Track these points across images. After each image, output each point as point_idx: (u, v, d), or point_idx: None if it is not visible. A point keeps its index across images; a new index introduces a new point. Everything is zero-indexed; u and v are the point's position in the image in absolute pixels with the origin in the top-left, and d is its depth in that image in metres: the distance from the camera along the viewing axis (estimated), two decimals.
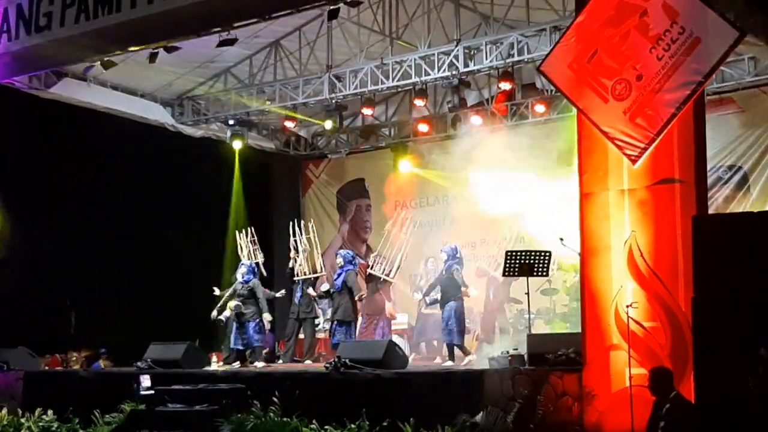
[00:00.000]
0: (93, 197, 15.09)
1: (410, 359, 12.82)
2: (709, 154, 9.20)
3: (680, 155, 8.80)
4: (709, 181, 11.08)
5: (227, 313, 13.75)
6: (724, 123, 14.41)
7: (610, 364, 8.88)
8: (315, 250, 15.40)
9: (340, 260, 14.18)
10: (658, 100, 8.75)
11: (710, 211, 10.23)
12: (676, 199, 8.75)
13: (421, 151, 17.74)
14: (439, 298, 13.22)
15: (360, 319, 14.11)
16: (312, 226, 15.75)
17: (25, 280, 14.28)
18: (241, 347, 13.56)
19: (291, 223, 15.74)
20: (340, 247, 18.65)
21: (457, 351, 12.84)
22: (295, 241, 15.35)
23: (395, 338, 13.72)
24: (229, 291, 13.83)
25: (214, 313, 13.86)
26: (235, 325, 13.61)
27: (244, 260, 14.26)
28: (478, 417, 9.26)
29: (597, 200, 9.19)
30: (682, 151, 8.80)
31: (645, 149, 8.81)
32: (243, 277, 13.81)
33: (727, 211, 14.14)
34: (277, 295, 14.75)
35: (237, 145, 17.26)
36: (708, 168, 9.30)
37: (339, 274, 14.01)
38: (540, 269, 12.22)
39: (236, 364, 13.40)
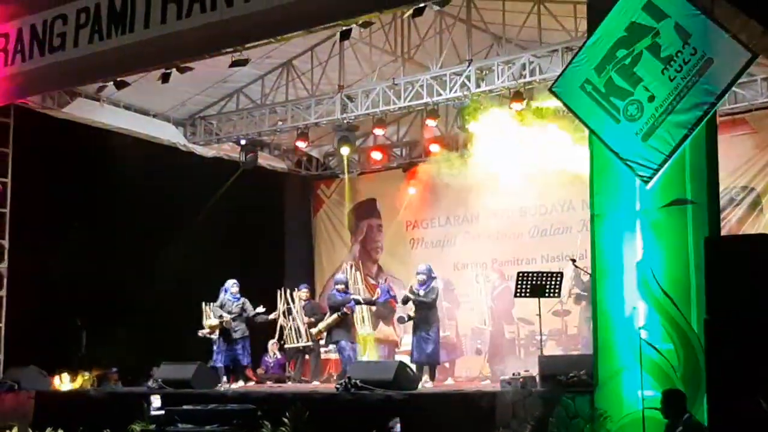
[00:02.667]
0: (105, 217, 15.13)
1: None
2: (721, 175, 9.17)
3: (693, 176, 8.79)
4: (722, 202, 11.06)
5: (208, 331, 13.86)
6: (736, 144, 14.37)
7: (622, 386, 8.83)
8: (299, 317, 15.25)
9: (341, 285, 14.18)
10: (670, 121, 8.74)
11: (723, 233, 10.20)
12: (688, 220, 8.73)
13: (432, 172, 17.74)
14: (411, 315, 13.19)
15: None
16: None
17: (37, 300, 14.31)
18: (227, 364, 13.65)
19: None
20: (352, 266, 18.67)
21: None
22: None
23: (405, 359, 13.67)
24: (216, 306, 13.90)
25: (206, 330, 13.95)
26: (221, 341, 13.68)
27: (230, 280, 14.21)
28: None
29: (609, 221, 9.17)
30: (694, 172, 8.79)
31: (657, 170, 8.79)
32: (234, 296, 13.87)
33: (740, 232, 14.08)
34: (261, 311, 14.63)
35: (245, 164, 17.26)
36: (721, 189, 9.28)
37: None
38: (552, 290, 12.18)
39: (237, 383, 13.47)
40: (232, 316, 13.73)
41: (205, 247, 16.19)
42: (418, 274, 13.27)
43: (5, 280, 14.27)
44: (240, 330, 13.80)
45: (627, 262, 8.96)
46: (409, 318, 13.34)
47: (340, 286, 14.24)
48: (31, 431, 12.13)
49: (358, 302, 14.54)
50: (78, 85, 14.41)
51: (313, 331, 14.49)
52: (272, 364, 15.84)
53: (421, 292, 13.03)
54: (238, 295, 13.97)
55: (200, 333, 14.39)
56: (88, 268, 14.87)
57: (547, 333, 13.81)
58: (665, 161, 8.75)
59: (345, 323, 13.80)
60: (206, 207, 16.76)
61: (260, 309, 14.20)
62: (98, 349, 14.63)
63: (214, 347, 14.01)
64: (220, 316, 13.77)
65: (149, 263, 15.36)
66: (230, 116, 16.80)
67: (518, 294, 12.24)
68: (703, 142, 8.79)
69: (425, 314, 13.00)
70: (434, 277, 13.31)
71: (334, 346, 13.92)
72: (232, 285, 14.08)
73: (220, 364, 13.82)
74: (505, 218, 16.91)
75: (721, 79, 8.62)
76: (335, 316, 13.85)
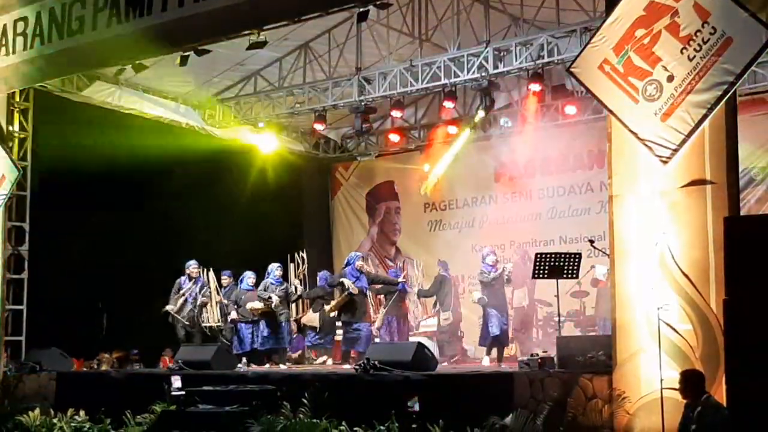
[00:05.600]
0: (124, 199, 15.20)
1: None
2: (741, 156, 9.13)
3: (712, 156, 8.75)
4: (741, 182, 11.02)
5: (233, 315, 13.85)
6: (756, 124, 14.27)
7: (641, 367, 8.84)
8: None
9: (361, 263, 14.19)
10: (689, 101, 8.70)
11: (742, 213, 10.16)
12: (707, 200, 8.70)
13: (450, 152, 17.72)
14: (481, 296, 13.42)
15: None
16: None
17: (58, 282, 14.41)
18: (268, 347, 13.69)
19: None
20: (370, 250, 18.71)
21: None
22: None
23: (424, 340, 13.70)
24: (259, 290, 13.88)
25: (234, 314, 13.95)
26: (264, 326, 13.69)
27: (274, 264, 14.26)
28: (508, 419, 9.23)
29: (628, 202, 9.16)
30: (713, 152, 8.75)
31: (676, 150, 8.76)
32: (277, 279, 13.91)
33: (760, 212, 14.01)
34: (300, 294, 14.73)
35: (265, 148, 17.34)
36: (740, 169, 9.24)
37: (358, 277, 13.95)
38: (570, 271, 12.16)
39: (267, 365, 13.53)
40: (279, 299, 13.76)
41: (223, 229, 16.25)
42: (486, 256, 13.41)
43: (26, 263, 14.36)
44: (284, 314, 13.90)
45: (646, 243, 8.95)
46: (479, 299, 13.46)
47: (359, 263, 14.16)
48: (53, 412, 12.22)
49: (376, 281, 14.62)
50: (96, 69, 14.46)
51: (326, 308, 14.51)
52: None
53: (492, 274, 13.11)
54: (281, 279, 14.02)
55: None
56: (107, 250, 14.97)
57: (565, 314, 13.82)
58: (684, 141, 8.73)
59: (361, 303, 13.78)
60: (232, 192, 16.80)
61: (300, 292, 14.31)
62: (119, 331, 14.75)
63: (246, 331, 13.93)
64: (268, 299, 13.75)
65: (168, 245, 15.44)
66: (248, 99, 16.82)
67: (536, 275, 12.22)
68: (722, 122, 8.75)
69: (498, 295, 13.10)
70: (498, 260, 13.55)
71: (342, 324, 13.87)
72: (276, 268, 14.10)
73: (262, 348, 13.83)
74: (523, 200, 16.90)
75: (740, 59, 8.57)
76: (343, 295, 13.82)
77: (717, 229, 8.36)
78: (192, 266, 14.32)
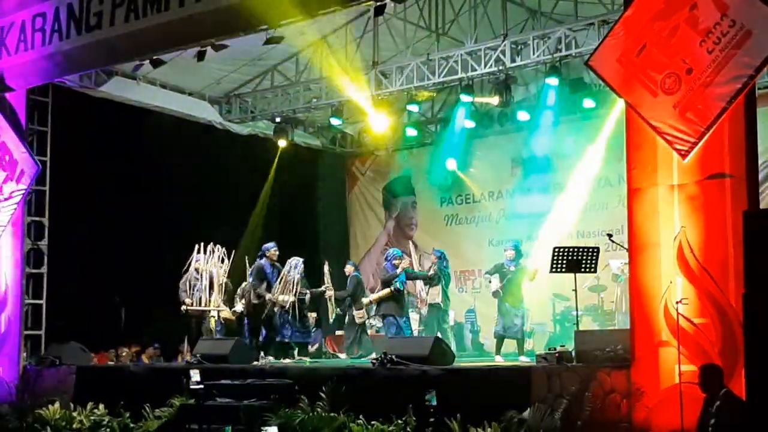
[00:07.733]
0: (142, 194, 15.28)
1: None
2: (760, 149, 9.06)
3: (731, 150, 8.70)
4: (761, 175, 10.92)
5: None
6: None
7: (659, 361, 8.81)
8: None
9: (399, 260, 14.19)
10: (708, 94, 8.65)
11: (761, 206, 10.10)
12: (726, 194, 8.65)
13: (467, 147, 17.71)
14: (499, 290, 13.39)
15: None
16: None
17: (77, 277, 14.50)
18: (302, 340, 13.75)
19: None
20: (386, 244, 18.72)
21: None
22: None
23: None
24: (283, 284, 13.87)
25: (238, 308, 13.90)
26: (291, 317, 13.66)
27: (298, 259, 14.24)
28: (526, 414, 9.22)
29: (646, 196, 9.11)
30: (732, 145, 8.70)
31: (695, 144, 8.71)
32: (302, 273, 13.92)
33: None
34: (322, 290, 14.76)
35: (281, 143, 17.36)
36: (759, 162, 9.18)
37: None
38: (588, 265, 12.13)
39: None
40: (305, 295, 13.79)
41: (240, 224, 16.31)
42: (506, 250, 13.38)
43: (45, 258, 14.44)
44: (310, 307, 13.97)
45: (664, 237, 8.91)
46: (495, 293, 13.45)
47: (396, 261, 14.13)
48: (73, 406, 12.30)
49: (413, 277, 14.56)
50: (115, 64, 14.53)
51: (364, 300, 14.52)
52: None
53: (512, 268, 13.10)
54: (303, 273, 14.05)
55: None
56: (126, 245, 15.06)
57: (582, 309, 13.79)
58: (703, 135, 8.68)
59: (398, 298, 13.76)
60: (250, 187, 16.83)
61: (322, 288, 14.31)
62: (138, 326, 14.83)
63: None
64: (299, 293, 13.71)
65: (186, 239, 15.50)
66: (265, 94, 16.86)
67: (554, 269, 12.20)
68: (741, 115, 8.69)
69: (514, 289, 13.10)
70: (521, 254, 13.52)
71: (381, 318, 13.87)
72: (301, 263, 14.07)
73: (287, 340, 13.84)
74: (540, 194, 16.85)
75: (759, 52, 8.50)
76: (387, 290, 13.78)
77: (736, 222, 8.32)
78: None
